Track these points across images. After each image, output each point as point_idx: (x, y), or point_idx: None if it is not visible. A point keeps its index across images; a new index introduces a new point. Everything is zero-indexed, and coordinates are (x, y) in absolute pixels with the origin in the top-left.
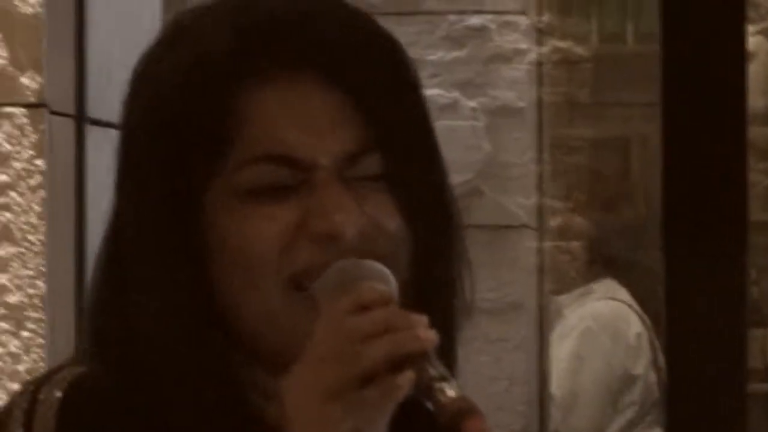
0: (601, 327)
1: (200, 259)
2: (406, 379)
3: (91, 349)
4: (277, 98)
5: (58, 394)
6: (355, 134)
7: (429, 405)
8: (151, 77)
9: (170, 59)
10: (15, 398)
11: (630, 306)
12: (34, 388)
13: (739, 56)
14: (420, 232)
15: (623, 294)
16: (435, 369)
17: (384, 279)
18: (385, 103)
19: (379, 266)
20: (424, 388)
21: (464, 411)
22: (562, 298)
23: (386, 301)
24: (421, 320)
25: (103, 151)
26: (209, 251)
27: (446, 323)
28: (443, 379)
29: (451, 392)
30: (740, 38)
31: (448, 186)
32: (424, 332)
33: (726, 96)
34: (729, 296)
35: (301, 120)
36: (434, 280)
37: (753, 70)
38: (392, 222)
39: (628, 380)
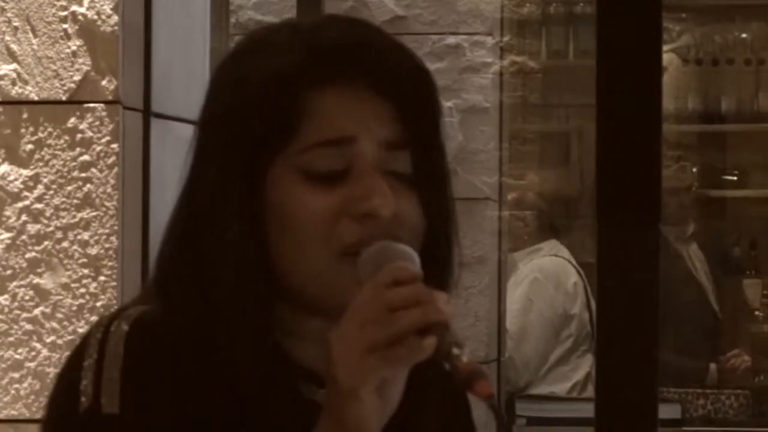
0: (546, 277)
1: (260, 221)
2: (430, 342)
3: (157, 290)
4: (335, 100)
5: (125, 327)
6: (392, 129)
7: (447, 366)
8: (237, 77)
9: (253, 65)
10: (91, 330)
11: (569, 261)
12: (107, 322)
13: (656, 69)
14: (432, 222)
15: (564, 252)
16: (452, 337)
17: (411, 259)
18: (415, 110)
19: (408, 248)
20: (444, 353)
21: (476, 374)
22: (516, 255)
23: (416, 278)
24: (442, 297)
25: (164, 138)
26: (268, 215)
27: (444, 285)
28: (459, 346)
29: (465, 358)
30: (657, 55)
31: (450, 181)
32: (445, 306)
33: (645, 99)
34: (645, 252)
35: (352, 115)
36: (439, 259)
37: (665, 80)
38: (414, 213)
39: (567, 318)
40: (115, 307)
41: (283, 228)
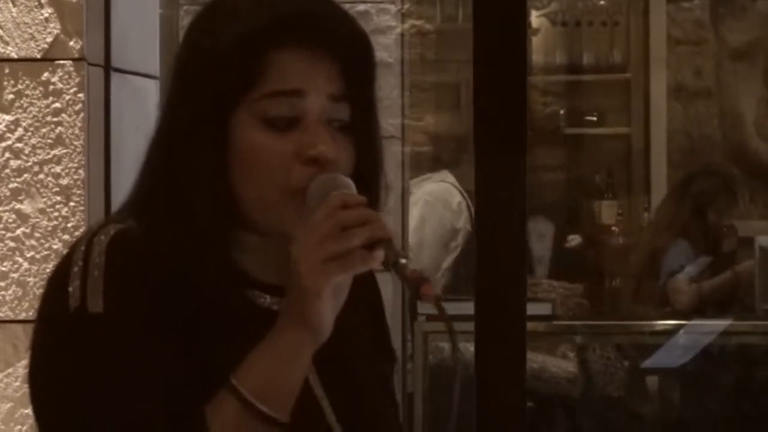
0: (435, 199)
1: (224, 156)
2: (379, 254)
3: (135, 210)
4: (290, 58)
5: (106, 240)
6: (336, 85)
7: (395, 274)
8: (208, 35)
9: (222, 26)
10: (77, 242)
11: (453, 185)
12: (90, 235)
13: (521, 30)
14: (364, 160)
15: (450, 178)
16: (397, 251)
17: (351, 188)
18: (356, 69)
19: (348, 179)
20: (392, 263)
21: (422, 279)
22: (414, 182)
23: (361, 203)
24: (385, 217)
25: (122, 89)
26: (231, 152)
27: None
28: (404, 257)
29: (411, 266)
30: (523, 19)
31: (380, 127)
32: (388, 226)
33: (512, 54)
34: (514, 177)
35: (303, 72)
36: (369, 192)
37: (537, 40)
38: (348, 156)
39: (454, 232)
40: (84, 227)
41: (242, 163)
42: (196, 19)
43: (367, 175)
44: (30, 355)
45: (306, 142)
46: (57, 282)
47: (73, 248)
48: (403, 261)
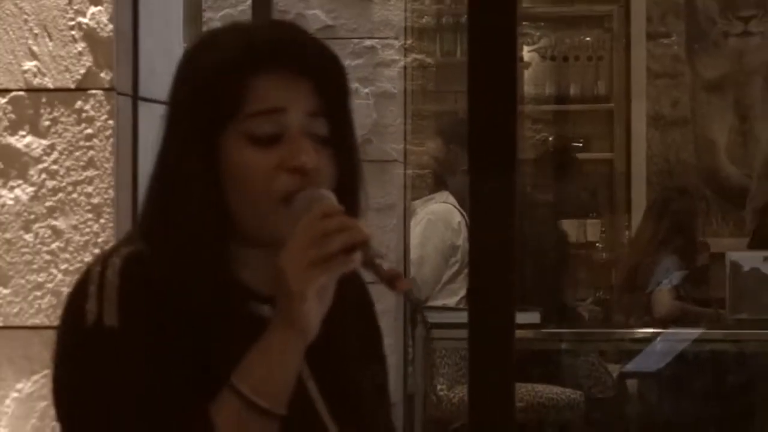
0: (437, 218)
1: (217, 177)
2: (357, 257)
3: (141, 233)
4: (270, 81)
5: (119, 261)
6: (313, 102)
7: (372, 273)
8: (195, 68)
9: (207, 59)
10: (92, 264)
11: (454, 206)
12: (104, 258)
13: (512, 64)
14: (343, 172)
15: (451, 199)
16: (374, 252)
17: (333, 199)
18: (329, 87)
19: (329, 192)
20: (369, 263)
21: (397, 276)
22: (415, 203)
23: (340, 212)
24: (362, 223)
25: (148, 116)
26: (223, 172)
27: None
28: (381, 257)
29: (386, 265)
30: (513, 54)
31: (357, 141)
32: (365, 230)
33: (504, 86)
34: (505, 196)
35: (283, 92)
36: (349, 200)
37: (528, 73)
38: (329, 166)
39: (454, 249)
40: (112, 242)
41: (234, 180)
42: (184, 56)
43: (348, 185)
44: (52, 369)
45: (289, 153)
46: (75, 300)
47: (88, 270)
48: (379, 261)
